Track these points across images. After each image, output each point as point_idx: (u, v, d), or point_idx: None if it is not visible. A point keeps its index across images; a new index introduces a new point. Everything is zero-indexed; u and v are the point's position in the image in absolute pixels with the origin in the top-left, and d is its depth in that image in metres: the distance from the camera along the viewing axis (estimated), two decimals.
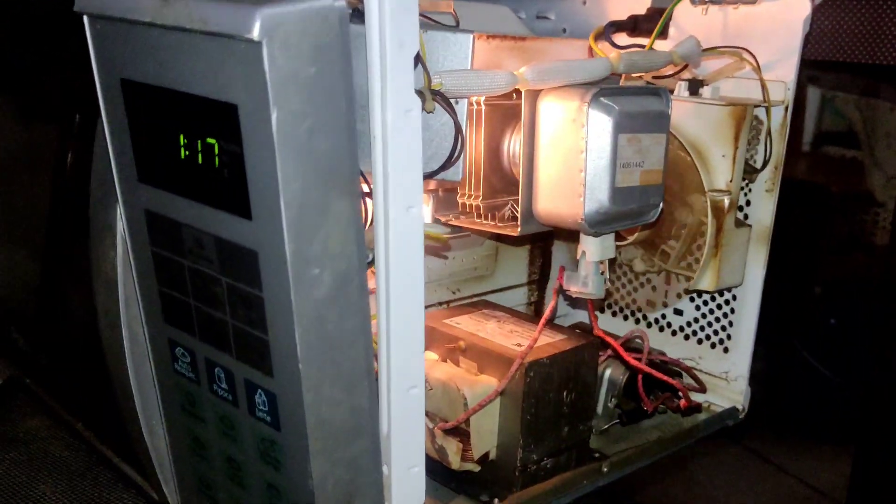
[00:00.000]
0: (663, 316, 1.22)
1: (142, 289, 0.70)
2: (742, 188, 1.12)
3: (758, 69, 1.04)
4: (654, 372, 1.03)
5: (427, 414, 0.97)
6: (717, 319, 1.17)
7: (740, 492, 1.56)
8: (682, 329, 1.21)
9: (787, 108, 1.07)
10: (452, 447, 0.94)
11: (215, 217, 0.61)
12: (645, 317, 1.24)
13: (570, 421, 0.99)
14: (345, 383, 0.63)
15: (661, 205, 0.95)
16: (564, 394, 0.97)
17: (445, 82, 0.80)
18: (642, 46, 1.02)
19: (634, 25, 1.11)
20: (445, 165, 0.85)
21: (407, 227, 0.68)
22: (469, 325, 1.02)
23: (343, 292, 0.61)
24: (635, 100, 0.89)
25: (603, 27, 1.08)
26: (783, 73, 1.06)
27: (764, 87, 1.04)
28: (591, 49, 1.05)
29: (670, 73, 1.05)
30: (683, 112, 1.05)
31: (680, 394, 1.08)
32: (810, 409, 2.05)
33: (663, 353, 1.17)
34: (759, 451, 1.70)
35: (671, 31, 1.13)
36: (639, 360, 1.04)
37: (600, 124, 0.86)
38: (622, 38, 1.10)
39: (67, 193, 1.09)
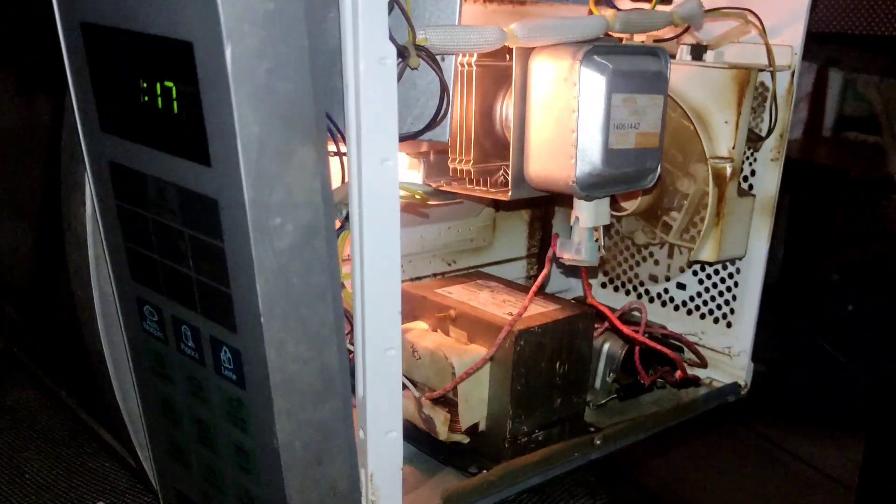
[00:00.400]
0: (666, 290, 1.19)
1: (109, 246, 0.68)
2: (747, 157, 1.08)
3: (763, 32, 1.00)
4: (650, 343, 1.00)
5: (416, 384, 0.95)
6: (721, 293, 1.13)
7: (749, 476, 1.52)
8: (684, 304, 1.17)
9: (793, 74, 1.03)
10: (440, 417, 0.91)
11: (176, 165, 0.58)
12: (647, 291, 1.21)
13: (564, 392, 0.96)
14: (312, 341, 0.60)
15: (659, 169, 0.92)
16: (557, 364, 0.94)
17: (430, 38, 0.77)
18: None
19: None
20: (430, 125, 0.82)
21: (381, 180, 0.65)
22: (461, 295, 0.99)
23: (309, 245, 0.58)
24: (631, 59, 0.86)
25: None
26: (790, 38, 1.02)
27: (769, 50, 1.00)
28: (590, 11, 1.01)
29: (672, 35, 1.02)
30: (685, 77, 1.02)
31: (677, 366, 1.05)
32: (824, 396, 2.00)
33: (664, 327, 1.14)
34: (771, 437, 1.67)
35: None
36: (637, 332, 1.01)
37: (593, 83, 0.82)
38: (625, 3, 1.06)
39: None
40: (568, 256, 0.93)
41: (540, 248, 1.24)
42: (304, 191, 0.57)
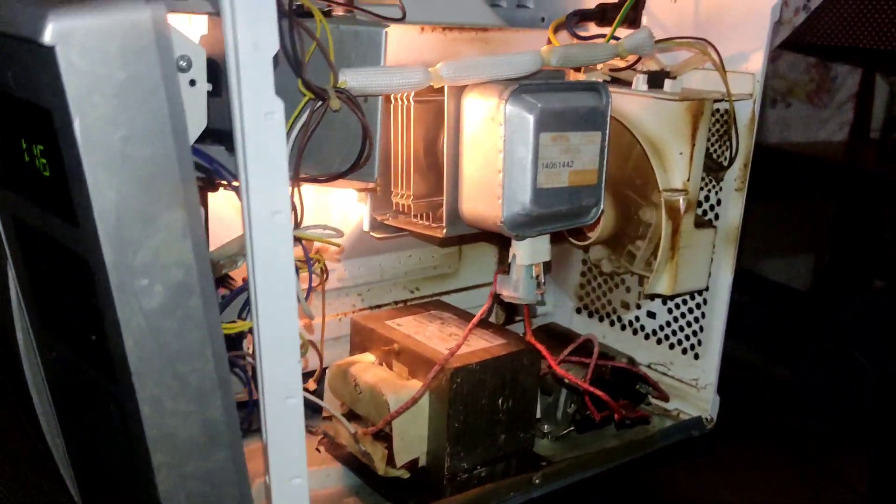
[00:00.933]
0: (637, 318, 1.17)
1: (21, 292, 0.70)
2: (711, 187, 1.06)
3: (719, 62, 0.98)
4: (584, 385, 0.98)
5: (359, 418, 0.95)
6: (689, 324, 1.11)
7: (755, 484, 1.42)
8: (654, 333, 1.15)
9: (755, 102, 1.00)
10: (378, 453, 0.91)
11: (57, 224, 0.59)
12: (620, 318, 1.19)
13: (508, 429, 0.95)
14: (192, 396, 0.61)
15: (601, 205, 0.91)
16: (500, 401, 0.94)
17: (350, 80, 0.77)
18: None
19: (602, 14, 1.06)
20: (353, 167, 0.82)
21: (272, 233, 0.65)
22: (409, 327, 0.99)
23: (182, 304, 0.59)
24: (563, 96, 0.85)
25: (565, 17, 1.03)
26: (751, 65, 1.00)
27: (724, 80, 0.97)
28: (549, 41, 1.00)
29: (624, 66, 1.00)
30: (641, 107, 1.00)
31: (651, 404, 1.03)
32: (856, 408, 1.94)
33: (631, 360, 1.12)
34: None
35: (644, 20, 1.07)
36: (587, 365, 1.00)
37: (519, 122, 0.82)
38: (592, 28, 1.05)
39: None
40: (506, 294, 0.93)
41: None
42: (172, 252, 0.57)
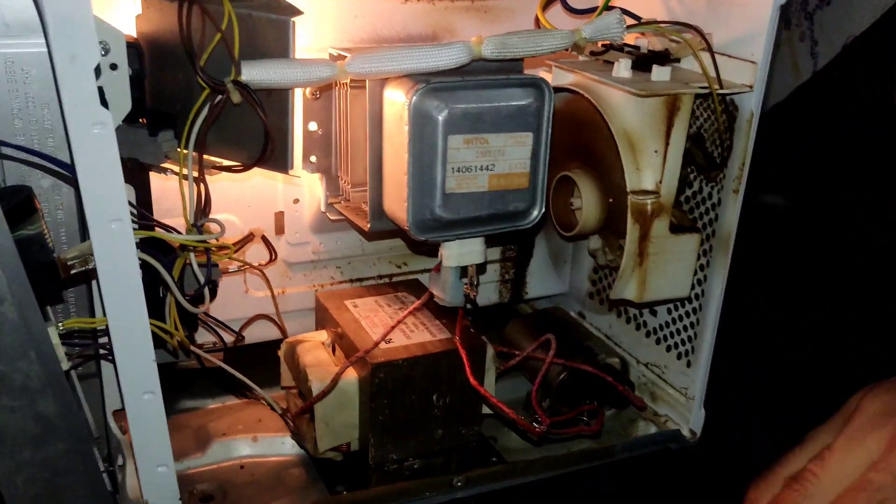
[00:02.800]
0: (640, 313, 1.09)
1: None
2: (705, 187, 0.95)
3: (707, 48, 0.86)
4: (497, 403, 0.92)
5: (302, 397, 0.97)
6: (685, 328, 1.02)
7: None
8: (654, 332, 1.07)
9: (757, 94, 0.88)
10: (310, 434, 0.93)
11: None
12: (627, 310, 1.12)
13: (446, 424, 0.93)
14: (18, 393, 0.65)
15: (538, 209, 0.84)
16: (435, 397, 0.92)
17: (245, 74, 0.76)
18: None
19: None
20: (260, 160, 0.81)
21: (113, 240, 0.66)
22: (363, 310, 0.98)
23: None
24: (485, 94, 0.78)
25: None
26: (753, 51, 0.87)
27: (704, 71, 0.86)
28: (537, 20, 0.93)
29: (600, 50, 0.90)
30: (619, 96, 0.90)
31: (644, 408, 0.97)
32: None
33: (609, 365, 1.04)
34: None
35: None
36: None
37: (425, 124, 0.77)
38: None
39: None
40: (436, 294, 0.89)
41: (518, 251, 1.18)
42: None
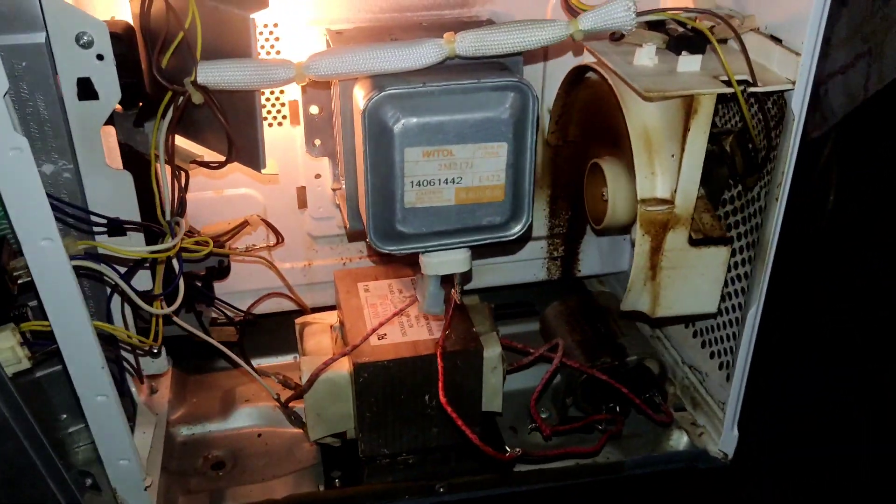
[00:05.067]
0: None
1: None
2: (740, 195, 0.82)
3: (735, 36, 0.72)
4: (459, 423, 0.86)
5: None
6: (726, 337, 0.91)
7: None
8: (701, 333, 0.97)
9: (803, 92, 0.73)
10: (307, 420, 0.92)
11: None
12: None
13: (441, 423, 0.90)
14: None
15: (522, 223, 0.76)
16: (427, 398, 0.88)
17: (201, 76, 0.72)
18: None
19: None
20: (227, 160, 0.78)
21: (45, 259, 0.67)
22: (373, 296, 0.94)
23: None
24: (449, 100, 0.70)
25: None
26: (795, 40, 0.72)
27: (723, 64, 0.72)
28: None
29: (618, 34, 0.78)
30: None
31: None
32: None
33: (654, 363, 0.96)
34: None
35: None
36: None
37: (379, 134, 0.71)
38: None
39: None
40: (419, 300, 0.84)
41: (568, 227, 1.09)
42: None
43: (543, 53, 0.95)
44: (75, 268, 0.70)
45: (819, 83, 1.56)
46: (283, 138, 0.95)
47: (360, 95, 0.71)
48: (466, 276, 0.82)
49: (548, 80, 0.97)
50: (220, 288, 0.99)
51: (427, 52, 0.71)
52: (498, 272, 1.10)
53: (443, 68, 0.72)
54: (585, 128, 0.97)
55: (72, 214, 0.74)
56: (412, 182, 0.71)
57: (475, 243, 0.77)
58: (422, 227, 0.74)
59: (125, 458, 0.78)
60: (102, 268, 0.74)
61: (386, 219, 0.73)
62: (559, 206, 1.06)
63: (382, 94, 0.69)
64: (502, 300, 1.10)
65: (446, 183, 0.72)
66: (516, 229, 0.76)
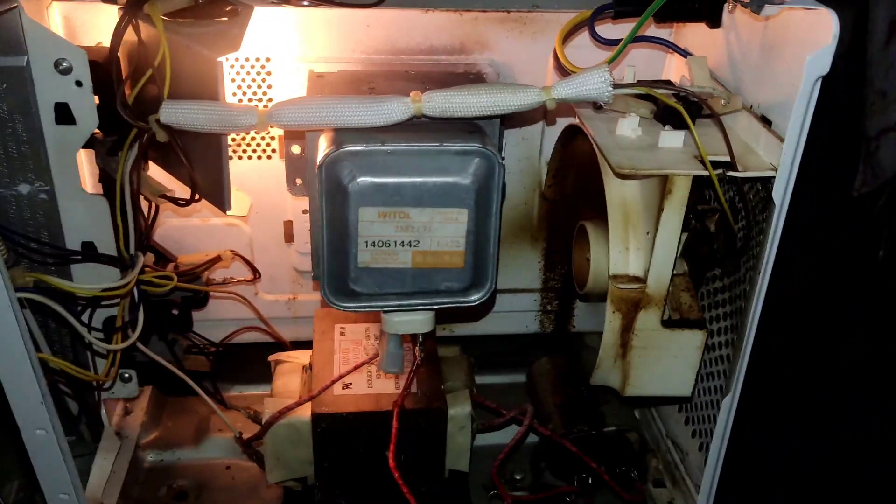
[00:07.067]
0: None
1: None
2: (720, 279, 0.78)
3: (714, 117, 0.68)
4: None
5: None
6: (707, 418, 0.86)
7: None
8: (686, 409, 0.92)
9: (784, 179, 0.69)
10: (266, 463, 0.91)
11: None
12: None
13: (404, 479, 0.87)
14: None
15: (487, 289, 0.73)
16: (387, 453, 0.85)
17: (164, 116, 0.71)
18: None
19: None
20: (191, 199, 0.77)
21: None
22: (347, 339, 0.92)
23: None
24: (408, 162, 0.68)
25: (588, 13, 0.79)
26: (784, 124, 0.68)
27: (699, 146, 0.68)
28: (555, 53, 0.79)
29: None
30: None
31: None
32: None
33: (622, 435, 0.92)
34: None
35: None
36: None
37: (335, 190, 0.68)
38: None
39: None
40: (379, 358, 0.82)
41: (562, 282, 1.05)
42: None
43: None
44: (26, 299, 0.70)
45: (870, 139, 1.49)
46: (270, 171, 0.93)
47: (322, 148, 0.69)
48: (429, 335, 0.79)
49: (546, 133, 0.95)
50: (199, 315, 0.98)
51: (393, 110, 0.68)
52: (489, 321, 1.07)
53: (410, 126, 0.70)
54: (580, 185, 0.93)
55: (22, 244, 0.74)
56: (366, 242, 0.69)
57: (434, 307, 0.74)
58: (375, 288, 0.71)
59: (65, 491, 0.78)
60: (48, 301, 0.73)
61: (340, 276, 0.71)
62: (554, 260, 1.03)
63: (340, 150, 0.67)
64: (495, 347, 1.08)
65: (402, 245, 0.70)
66: (476, 297, 0.73)
